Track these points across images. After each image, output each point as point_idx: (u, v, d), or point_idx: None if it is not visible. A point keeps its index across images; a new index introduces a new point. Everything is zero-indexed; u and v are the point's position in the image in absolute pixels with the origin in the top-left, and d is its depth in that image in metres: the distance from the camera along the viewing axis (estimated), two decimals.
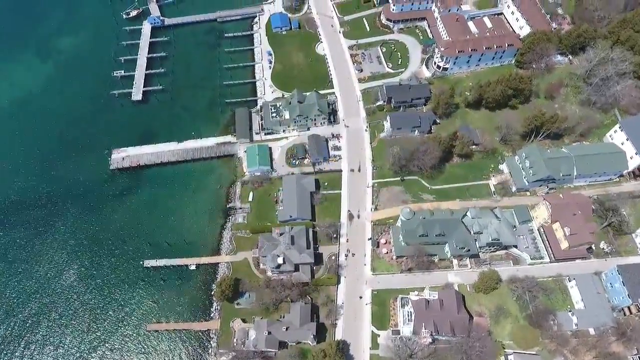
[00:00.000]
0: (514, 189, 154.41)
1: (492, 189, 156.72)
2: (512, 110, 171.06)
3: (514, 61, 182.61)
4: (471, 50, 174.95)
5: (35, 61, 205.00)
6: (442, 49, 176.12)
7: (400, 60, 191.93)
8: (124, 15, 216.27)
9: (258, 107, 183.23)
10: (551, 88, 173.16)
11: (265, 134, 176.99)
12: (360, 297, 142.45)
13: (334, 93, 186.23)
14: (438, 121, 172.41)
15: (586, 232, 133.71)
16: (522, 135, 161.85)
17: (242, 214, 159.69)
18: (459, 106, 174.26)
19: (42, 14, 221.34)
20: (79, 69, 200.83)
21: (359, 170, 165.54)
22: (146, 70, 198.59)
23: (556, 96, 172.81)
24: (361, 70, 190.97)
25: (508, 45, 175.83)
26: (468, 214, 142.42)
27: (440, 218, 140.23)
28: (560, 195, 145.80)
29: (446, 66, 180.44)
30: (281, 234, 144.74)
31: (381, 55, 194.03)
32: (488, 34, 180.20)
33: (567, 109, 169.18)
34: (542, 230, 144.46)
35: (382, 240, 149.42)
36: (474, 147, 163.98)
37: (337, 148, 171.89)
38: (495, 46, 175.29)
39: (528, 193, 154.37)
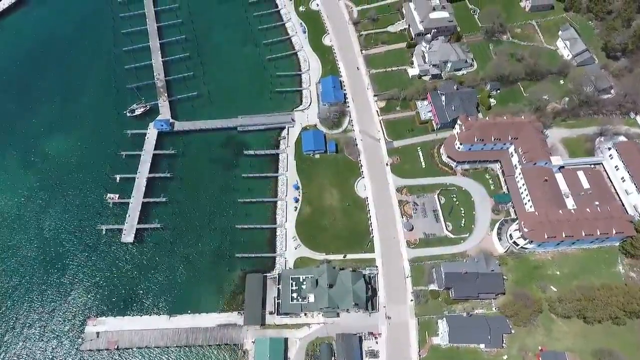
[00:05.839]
0: None
1: None
2: (617, 327, 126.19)
3: (618, 244, 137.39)
4: (565, 236, 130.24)
5: (17, 171, 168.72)
6: (525, 229, 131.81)
7: (463, 219, 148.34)
8: (127, 113, 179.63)
9: (275, 274, 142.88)
10: None
11: (281, 317, 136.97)
12: None
13: (374, 260, 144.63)
14: (512, 330, 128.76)
15: None
16: None
17: None
18: (542, 308, 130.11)
19: (35, 101, 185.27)
20: (65, 186, 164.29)
21: None
22: (144, 197, 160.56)
23: None
24: (411, 229, 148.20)
25: (616, 232, 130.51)
26: None
27: None
28: None
29: (527, 246, 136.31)
30: None
31: (438, 209, 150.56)
32: (588, 208, 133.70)
33: None
34: None
35: None
36: None
37: (374, 354, 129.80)
38: (598, 232, 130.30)
39: None
